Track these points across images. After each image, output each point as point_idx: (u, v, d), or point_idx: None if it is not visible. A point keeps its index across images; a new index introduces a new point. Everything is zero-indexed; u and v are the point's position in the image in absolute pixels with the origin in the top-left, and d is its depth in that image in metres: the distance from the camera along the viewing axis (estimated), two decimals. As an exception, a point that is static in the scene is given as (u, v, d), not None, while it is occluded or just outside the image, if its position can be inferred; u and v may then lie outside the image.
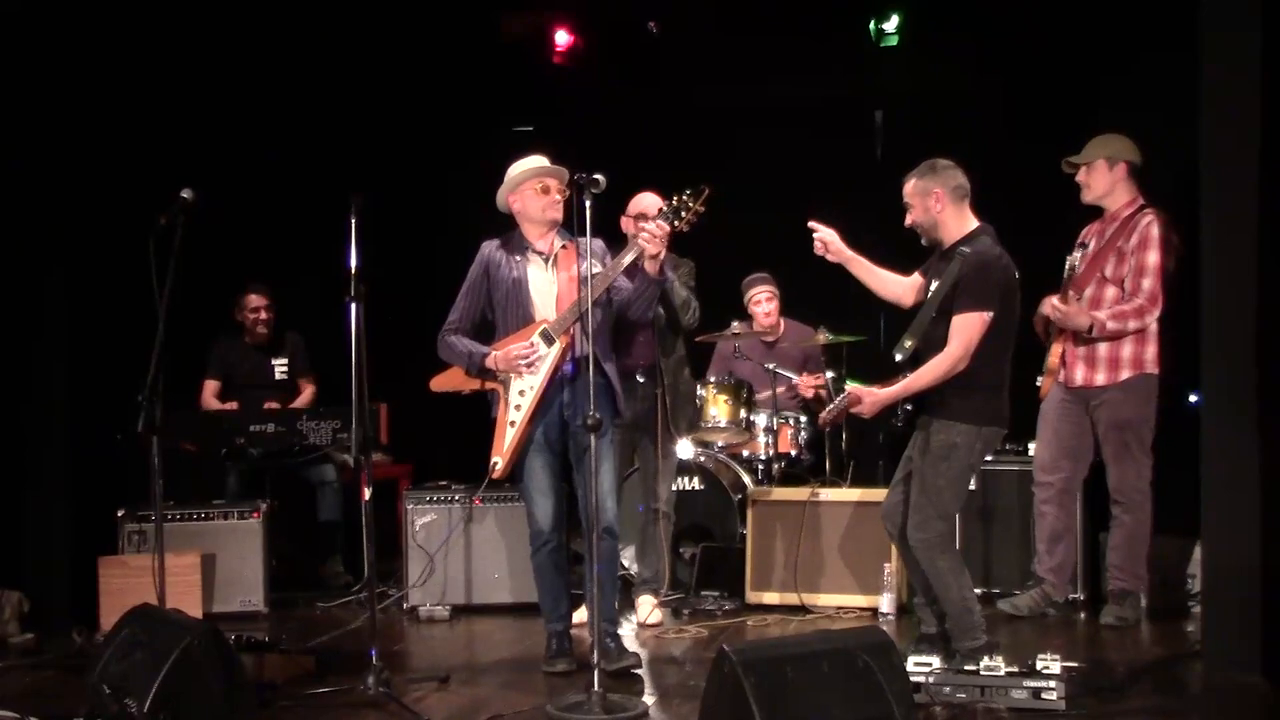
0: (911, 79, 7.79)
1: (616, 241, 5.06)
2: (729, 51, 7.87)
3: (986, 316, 4.26)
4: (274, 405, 6.54)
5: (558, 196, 4.75)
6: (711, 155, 8.03)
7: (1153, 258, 5.16)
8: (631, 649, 4.75)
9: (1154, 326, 5.22)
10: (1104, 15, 6.90)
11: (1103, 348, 5.24)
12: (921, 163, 4.49)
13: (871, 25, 7.72)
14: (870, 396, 4.41)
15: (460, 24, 7.65)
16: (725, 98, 8.07)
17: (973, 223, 4.45)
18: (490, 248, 4.85)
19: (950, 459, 4.35)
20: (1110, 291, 5.25)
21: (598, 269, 4.60)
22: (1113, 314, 5.17)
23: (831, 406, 4.53)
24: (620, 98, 8.15)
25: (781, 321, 6.90)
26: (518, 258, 4.78)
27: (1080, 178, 5.41)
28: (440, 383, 4.93)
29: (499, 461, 4.68)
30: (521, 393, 4.67)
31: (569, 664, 4.68)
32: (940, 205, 4.41)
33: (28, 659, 5.03)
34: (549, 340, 4.66)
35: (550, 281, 4.74)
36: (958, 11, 7.46)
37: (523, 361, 4.62)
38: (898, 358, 4.33)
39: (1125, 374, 5.22)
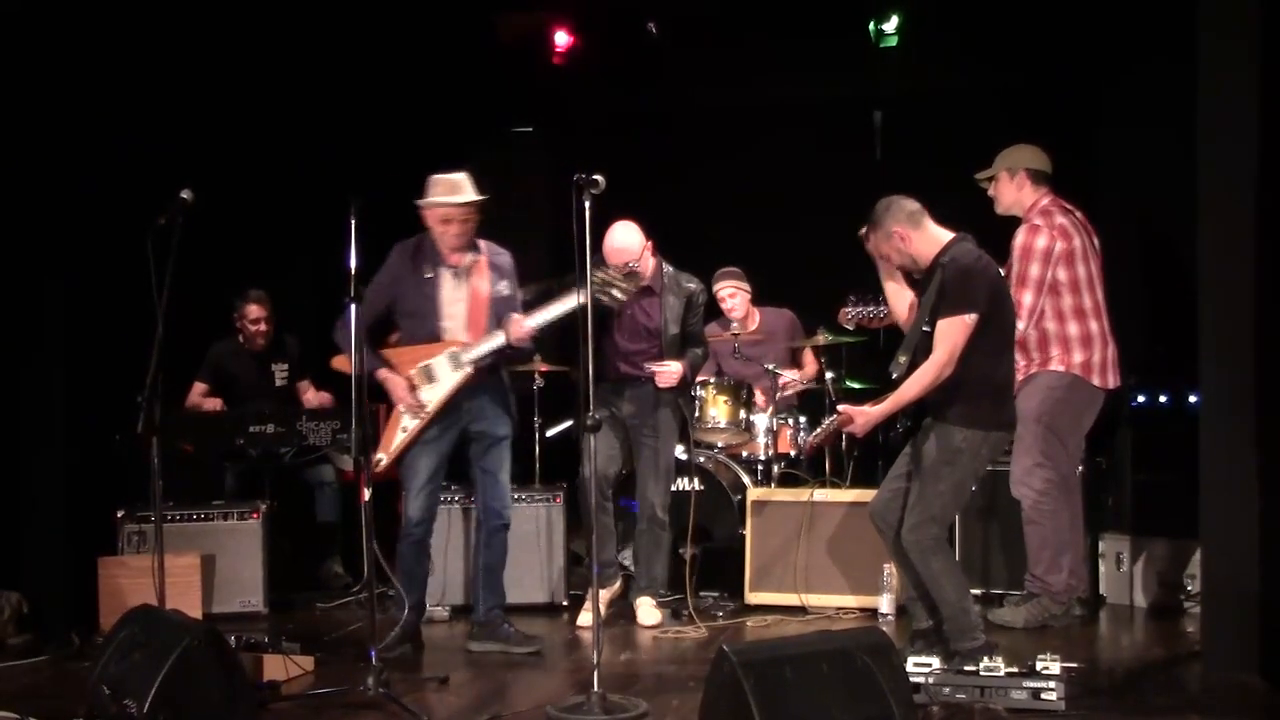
0: (911, 79, 7.80)
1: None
2: (728, 52, 7.88)
3: (969, 319, 4.27)
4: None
5: (457, 231, 4.87)
6: (711, 156, 8.05)
7: (1015, 268, 5.23)
8: (631, 649, 4.74)
9: (1060, 328, 5.24)
10: (1104, 15, 6.90)
11: (1019, 354, 5.26)
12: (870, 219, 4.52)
13: (871, 26, 7.72)
14: (862, 416, 4.44)
15: (459, 25, 7.65)
16: (724, 98, 8.08)
17: (945, 235, 4.46)
18: (402, 253, 5.00)
19: (954, 464, 4.36)
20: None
21: (507, 288, 4.92)
22: None
23: (820, 430, 4.60)
24: (619, 98, 8.15)
25: (757, 312, 6.84)
26: (428, 272, 4.91)
27: (990, 191, 5.46)
28: (341, 363, 4.98)
29: (384, 458, 4.90)
30: (423, 406, 4.90)
31: (405, 651, 4.95)
32: (906, 239, 4.44)
33: (27, 659, 5.03)
34: (455, 363, 4.85)
35: (461, 299, 4.92)
36: (957, 12, 7.47)
37: (404, 406, 4.90)
38: (893, 375, 4.35)
39: (1032, 370, 5.27)
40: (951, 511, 4.48)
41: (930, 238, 4.44)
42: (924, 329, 4.34)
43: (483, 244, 5.02)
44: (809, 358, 6.89)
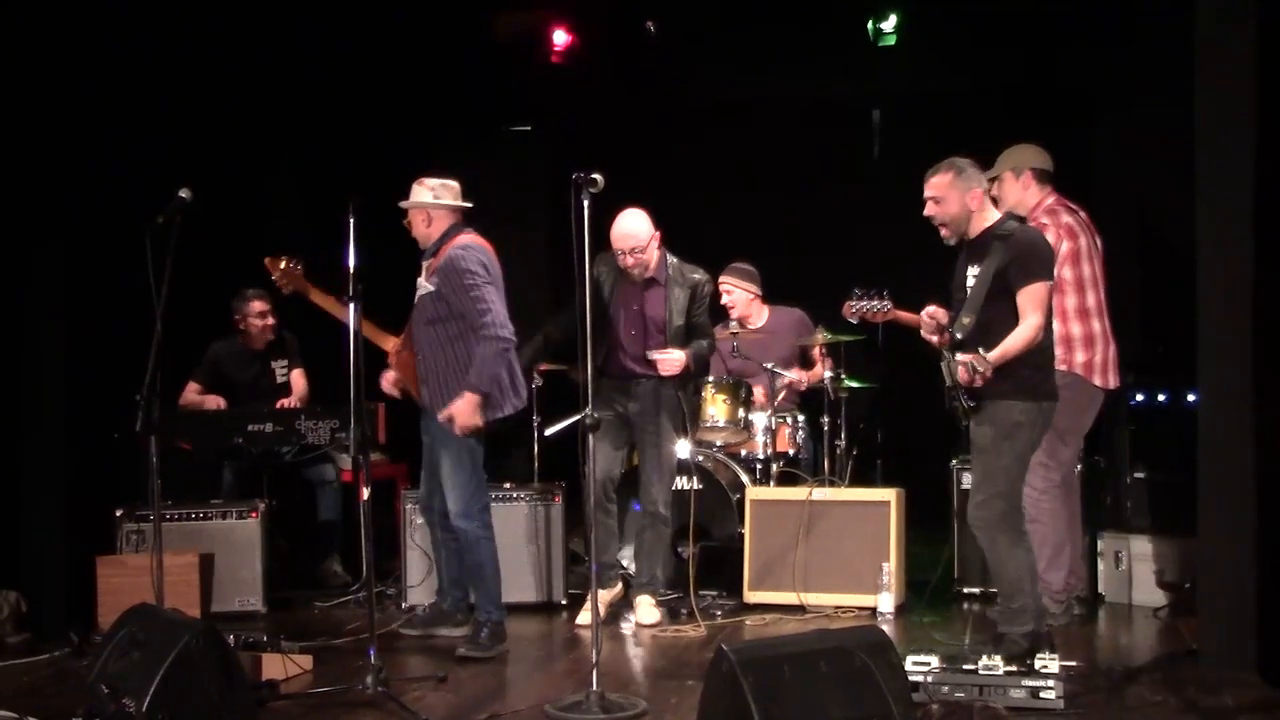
0: (909, 78, 7.80)
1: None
2: (726, 51, 7.89)
3: (1049, 285, 4.43)
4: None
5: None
6: (709, 155, 8.05)
7: None
8: (630, 648, 4.74)
9: (1063, 327, 5.24)
10: (1100, 14, 6.91)
11: None
12: (946, 160, 4.53)
13: (869, 25, 7.72)
14: (982, 363, 4.27)
15: (458, 23, 7.66)
16: (723, 97, 8.08)
17: (996, 212, 4.57)
18: None
19: (1015, 437, 4.41)
20: None
21: (428, 288, 5.01)
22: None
23: (979, 372, 4.29)
24: (618, 97, 8.16)
25: (766, 309, 6.83)
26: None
27: (993, 191, 5.46)
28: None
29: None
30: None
31: (410, 628, 5.31)
32: (978, 204, 4.51)
33: (25, 658, 5.03)
34: None
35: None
36: (955, 11, 7.47)
37: None
38: (959, 336, 4.37)
39: None
40: (1018, 485, 4.50)
41: (991, 210, 4.56)
42: (983, 298, 4.38)
43: (454, 246, 5.01)
44: (818, 358, 6.83)
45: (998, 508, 4.42)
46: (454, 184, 5.15)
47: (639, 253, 5.36)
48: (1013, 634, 4.37)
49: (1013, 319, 4.37)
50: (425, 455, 5.23)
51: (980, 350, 4.23)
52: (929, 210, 4.55)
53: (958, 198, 4.49)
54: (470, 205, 5.16)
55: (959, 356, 4.28)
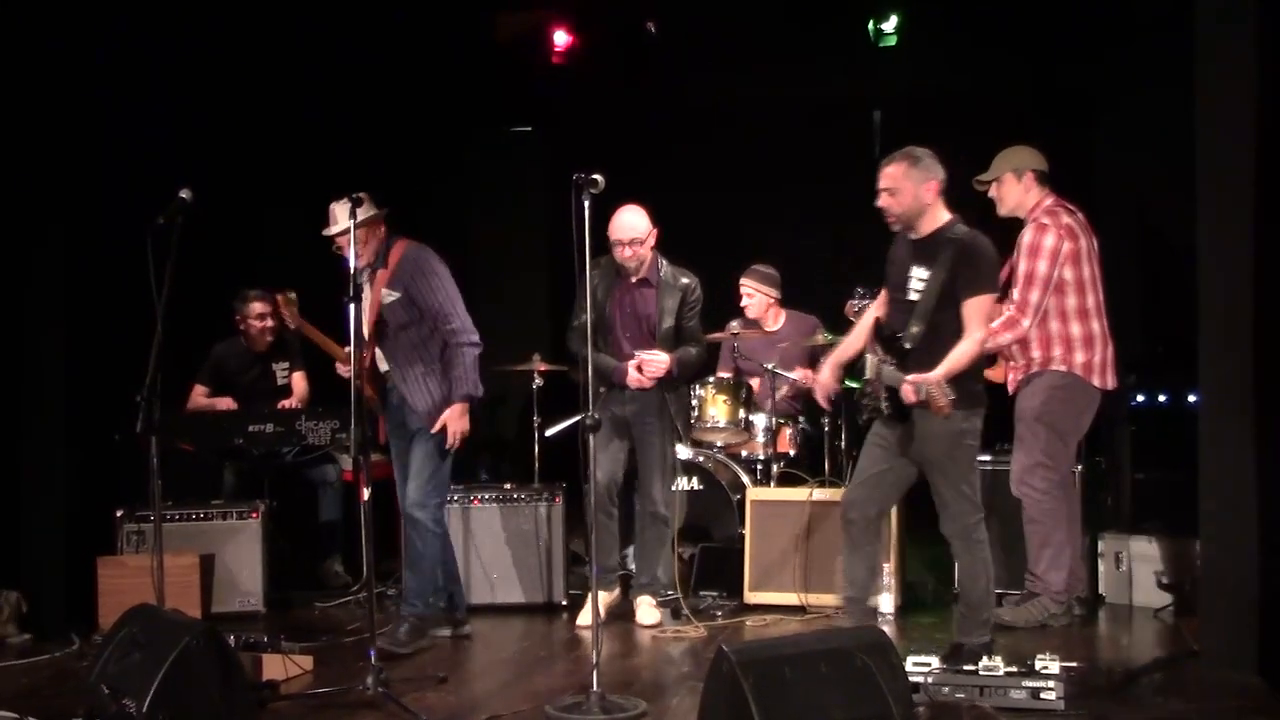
0: (910, 79, 7.81)
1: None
2: (727, 52, 7.89)
3: (995, 297, 4.41)
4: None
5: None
6: (709, 155, 8.06)
7: (1023, 266, 5.20)
8: (631, 649, 4.73)
9: (1063, 328, 5.23)
10: (1101, 14, 6.91)
11: (1017, 354, 5.31)
12: (902, 150, 4.46)
13: (870, 25, 7.73)
14: (943, 396, 4.19)
15: (459, 25, 7.66)
16: (723, 98, 8.08)
17: (946, 212, 4.48)
18: None
19: (964, 445, 4.41)
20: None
21: (393, 296, 4.96)
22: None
23: (940, 405, 4.19)
24: (618, 98, 8.16)
25: (783, 314, 6.85)
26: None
27: (992, 193, 5.45)
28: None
29: None
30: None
31: (398, 646, 4.97)
32: (932, 196, 4.43)
33: (26, 659, 5.03)
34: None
35: (366, 307, 5.03)
36: (956, 11, 7.48)
37: None
38: (907, 346, 4.35)
39: (1033, 370, 5.28)
40: (977, 489, 4.50)
41: (942, 210, 4.47)
42: (934, 303, 4.34)
43: (406, 250, 5.04)
44: None
45: (974, 516, 4.43)
46: None
47: (637, 245, 5.37)
48: (971, 644, 4.36)
49: (960, 327, 4.33)
50: (397, 459, 5.21)
51: (945, 386, 4.10)
52: (882, 202, 4.45)
53: (911, 189, 4.40)
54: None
55: (909, 378, 4.20)
